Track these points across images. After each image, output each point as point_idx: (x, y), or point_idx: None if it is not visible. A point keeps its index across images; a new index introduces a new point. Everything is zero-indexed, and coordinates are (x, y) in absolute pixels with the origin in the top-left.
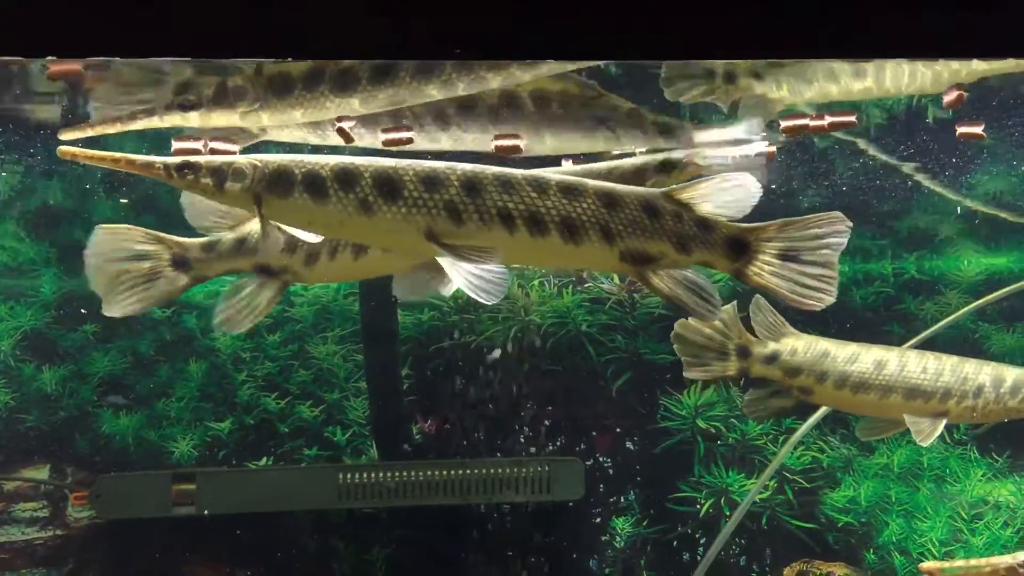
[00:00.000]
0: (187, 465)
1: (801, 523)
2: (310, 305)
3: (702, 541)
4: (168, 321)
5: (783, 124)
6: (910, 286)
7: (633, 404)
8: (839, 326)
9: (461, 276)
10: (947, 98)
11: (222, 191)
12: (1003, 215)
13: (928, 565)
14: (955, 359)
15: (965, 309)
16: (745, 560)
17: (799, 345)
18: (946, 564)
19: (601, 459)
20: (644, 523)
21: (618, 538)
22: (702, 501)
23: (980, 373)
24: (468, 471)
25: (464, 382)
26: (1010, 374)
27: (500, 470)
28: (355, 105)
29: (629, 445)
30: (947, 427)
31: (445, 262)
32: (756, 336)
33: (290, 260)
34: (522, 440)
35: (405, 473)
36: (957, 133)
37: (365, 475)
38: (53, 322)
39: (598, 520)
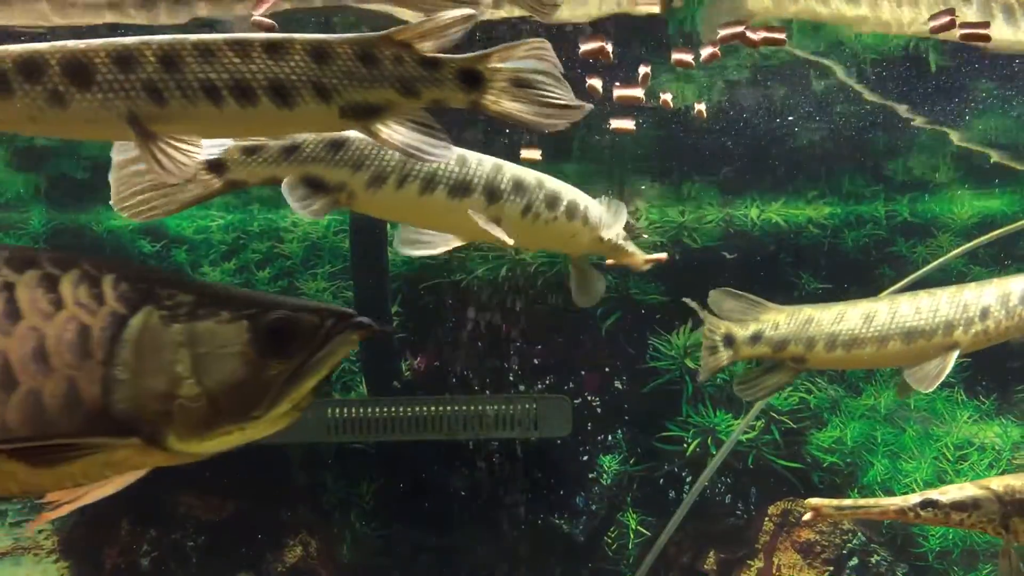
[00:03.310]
0: None
1: (787, 463)
2: (300, 241)
3: (688, 480)
4: (158, 256)
5: (721, 32)
6: (902, 228)
7: (622, 344)
8: (830, 269)
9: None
10: (935, 23)
11: None
12: (997, 157)
13: (815, 501)
14: (951, 289)
15: (956, 251)
16: (730, 499)
17: (780, 318)
18: (834, 502)
19: (589, 398)
20: (631, 461)
21: (605, 476)
22: (689, 440)
23: (982, 295)
24: (457, 408)
25: (454, 320)
26: (1017, 286)
27: (489, 407)
28: None
29: (617, 384)
30: None
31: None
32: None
33: (351, 178)
34: (511, 378)
35: (394, 409)
36: (959, 36)
37: (354, 410)
38: None
39: (585, 458)
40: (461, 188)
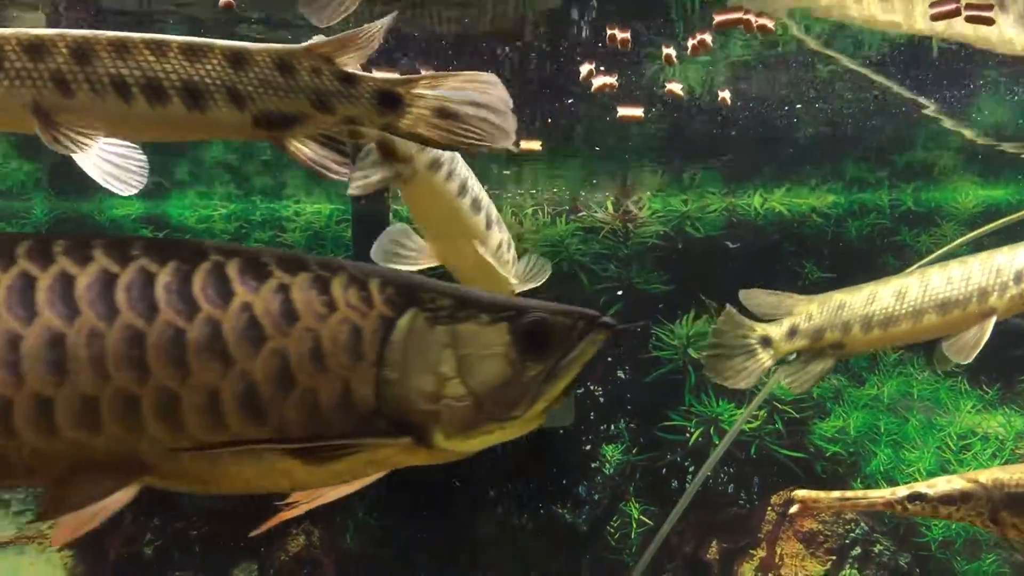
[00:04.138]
0: None
1: (790, 452)
2: (303, 231)
3: (691, 469)
4: None
5: (717, 19)
6: (906, 218)
7: (625, 333)
8: (833, 258)
9: (91, 164)
10: (937, 9)
11: None
12: (1002, 147)
13: (802, 493)
14: (982, 255)
15: (960, 240)
16: (733, 488)
17: (812, 308)
18: (822, 494)
19: (592, 387)
20: (634, 451)
21: (608, 465)
22: (692, 430)
23: (1015, 259)
24: None
25: None
26: None
27: None
28: None
29: (620, 374)
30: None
31: (81, 157)
32: (767, 321)
33: (419, 153)
34: None
35: None
36: (965, 16)
37: None
38: None
39: (588, 447)
40: (476, 205)
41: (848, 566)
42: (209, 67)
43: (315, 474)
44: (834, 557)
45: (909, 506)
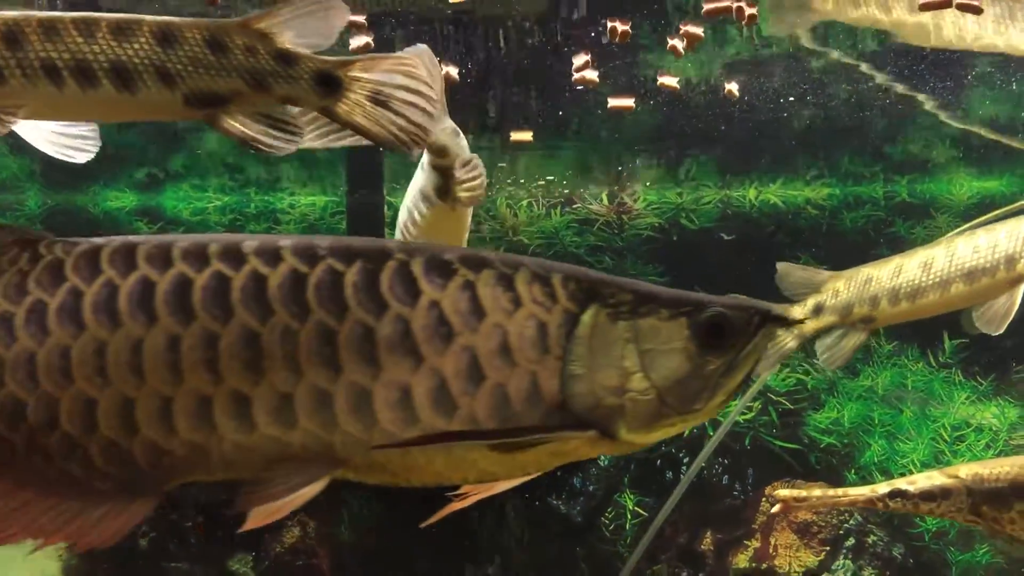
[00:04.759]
0: None
1: (784, 443)
2: (297, 223)
3: (685, 460)
4: None
5: (706, 6)
6: (901, 209)
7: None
8: (828, 250)
9: (42, 138)
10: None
11: None
12: (996, 138)
13: (783, 492)
14: (1010, 223)
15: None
16: (728, 479)
17: (839, 284)
18: (802, 492)
19: None
20: None
21: (602, 457)
22: None
23: None
24: None
25: None
26: None
27: None
28: None
29: None
30: (932, 350)
31: (25, 127)
32: (794, 301)
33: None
34: None
35: None
36: (955, 4)
37: None
38: None
39: None
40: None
41: (842, 557)
42: (137, 46)
43: (502, 465)
44: (828, 548)
45: (890, 503)
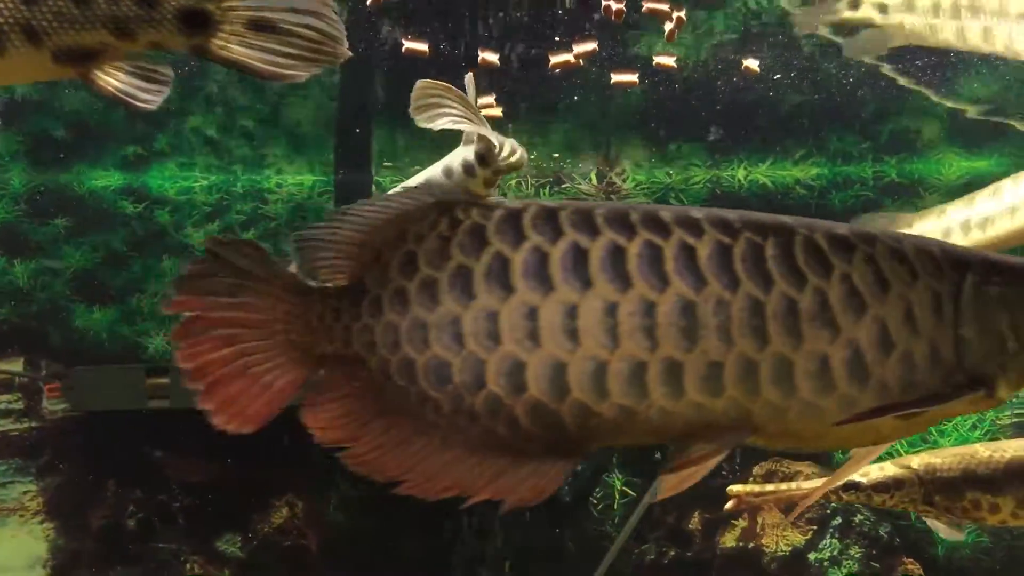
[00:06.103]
0: (163, 361)
1: None
2: (284, 202)
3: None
4: (140, 217)
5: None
6: (890, 189)
7: None
8: None
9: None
10: None
11: None
12: (984, 116)
13: (736, 488)
14: (1006, 181)
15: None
16: None
17: (915, 221)
18: (757, 487)
19: None
20: None
21: None
22: None
23: None
24: None
25: None
26: None
27: None
28: None
29: None
30: None
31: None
32: None
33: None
34: None
35: None
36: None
37: None
38: (24, 216)
39: None
40: None
41: (829, 536)
42: (2, 6)
43: (901, 429)
44: (815, 527)
45: (844, 495)
